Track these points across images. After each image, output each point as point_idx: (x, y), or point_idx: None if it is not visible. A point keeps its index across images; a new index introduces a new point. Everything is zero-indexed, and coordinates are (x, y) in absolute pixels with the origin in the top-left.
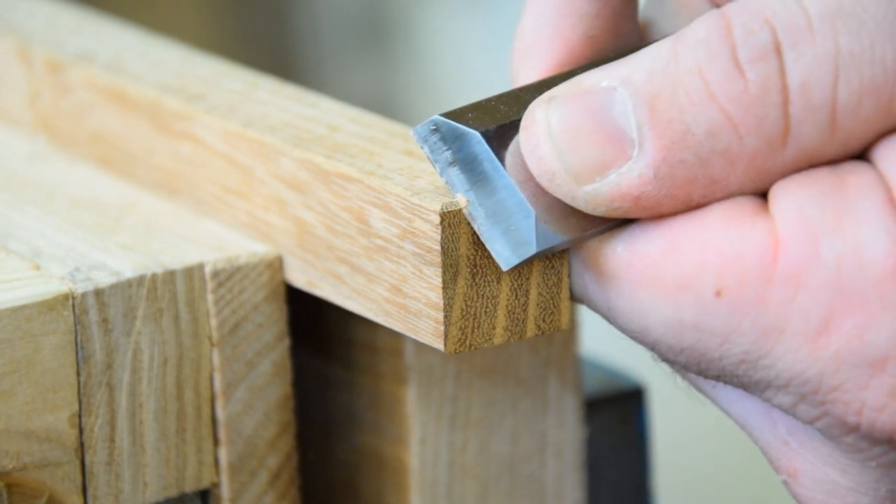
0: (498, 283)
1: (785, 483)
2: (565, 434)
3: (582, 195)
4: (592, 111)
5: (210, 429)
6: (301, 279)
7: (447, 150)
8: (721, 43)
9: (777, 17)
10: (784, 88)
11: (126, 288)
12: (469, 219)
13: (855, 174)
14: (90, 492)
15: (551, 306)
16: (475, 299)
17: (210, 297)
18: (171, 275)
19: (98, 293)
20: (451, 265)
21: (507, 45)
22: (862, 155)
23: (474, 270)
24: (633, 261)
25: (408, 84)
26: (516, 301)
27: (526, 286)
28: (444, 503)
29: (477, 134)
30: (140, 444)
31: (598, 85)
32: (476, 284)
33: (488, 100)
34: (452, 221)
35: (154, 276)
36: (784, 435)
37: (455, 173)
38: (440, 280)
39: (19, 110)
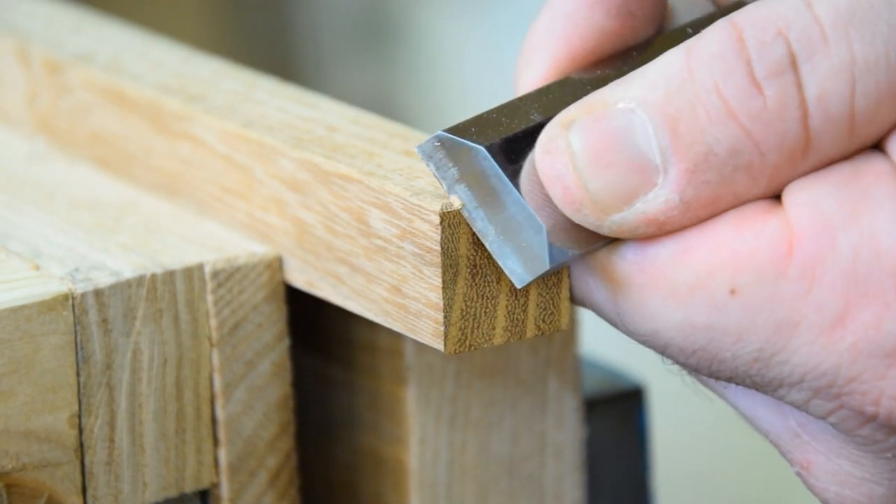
0: (498, 283)
1: (798, 474)
2: (565, 434)
3: (608, 224)
4: (615, 137)
5: (209, 429)
6: (300, 279)
7: (453, 166)
8: (736, 58)
9: (790, 27)
10: (802, 102)
11: (126, 288)
12: (480, 237)
13: (869, 164)
14: (90, 492)
15: (551, 307)
16: (475, 300)
17: (210, 298)
18: (170, 275)
19: (98, 293)
20: (450, 265)
21: (507, 46)
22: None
23: (474, 271)
24: (643, 266)
25: (408, 84)
26: (516, 301)
27: (525, 287)
28: (444, 503)
29: (482, 149)
30: (139, 445)
31: (615, 107)
32: (476, 285)
33: (489, 112)
34: (452, 222)
35: (154, 276)
36: (795, 427)
37: (462, 190)
38: (440, 280)
39: (18, 110)
